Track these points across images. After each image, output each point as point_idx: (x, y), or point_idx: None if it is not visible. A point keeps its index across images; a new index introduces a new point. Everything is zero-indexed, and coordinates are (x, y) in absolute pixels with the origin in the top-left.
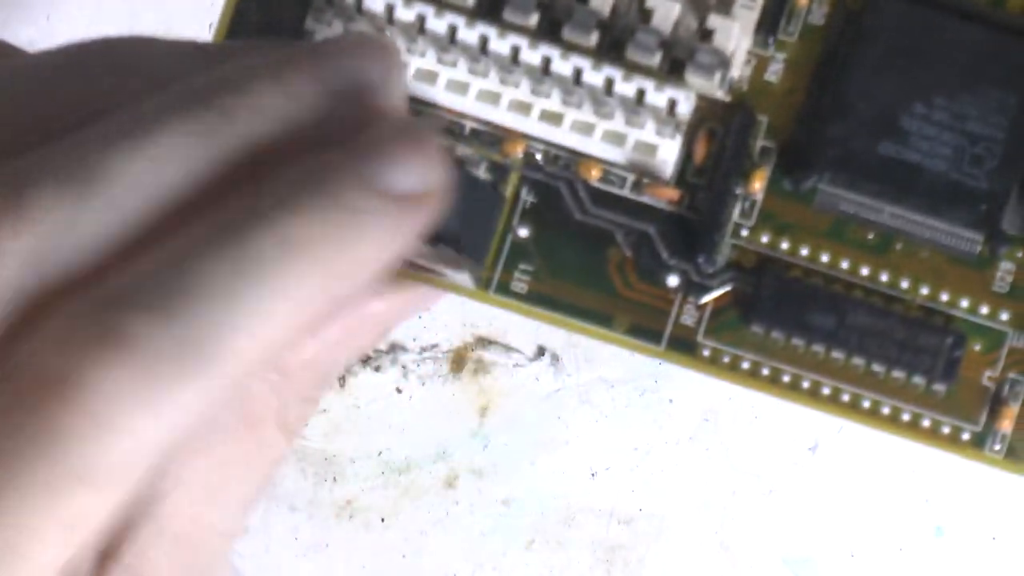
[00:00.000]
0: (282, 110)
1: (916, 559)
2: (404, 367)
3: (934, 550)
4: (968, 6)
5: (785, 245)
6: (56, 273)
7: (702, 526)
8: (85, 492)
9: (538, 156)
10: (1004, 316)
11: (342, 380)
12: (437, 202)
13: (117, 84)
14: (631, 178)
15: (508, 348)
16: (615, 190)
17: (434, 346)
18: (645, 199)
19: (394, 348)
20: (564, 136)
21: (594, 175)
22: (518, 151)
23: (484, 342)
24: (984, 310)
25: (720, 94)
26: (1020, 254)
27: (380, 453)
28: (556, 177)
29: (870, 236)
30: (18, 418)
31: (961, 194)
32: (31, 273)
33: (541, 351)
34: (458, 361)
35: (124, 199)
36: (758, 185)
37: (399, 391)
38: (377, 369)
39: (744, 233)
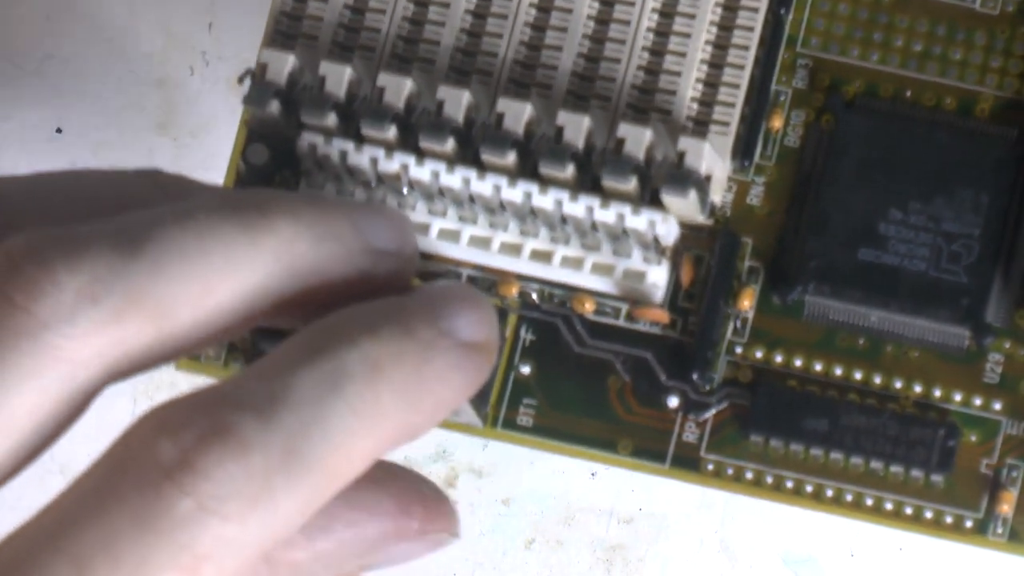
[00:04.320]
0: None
1: (916, 559)
2: None
3: (934, 550)
4: (934, 115)
5: (779, 358)
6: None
7: (702, 526)
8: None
9: (533, 295)
10: (997, 406)
11: None
12: (493, 355)
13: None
14: (625, 308)
15: None
16: (610, 320)
17: None
18: (640, 327)
19: None
20: (556, 273)
21: (588, 308)
22: (513, 292)
23: None
24: (977, 402)
25: (702, 219)
26: (1007, 344)
27: None
28: (552, 314)
29: (860, 341)
30: (137, 501)
31: (943, 292)
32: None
33: None
34: None
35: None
36: (747, 303)
37: None
38: None
39: (738, 350)
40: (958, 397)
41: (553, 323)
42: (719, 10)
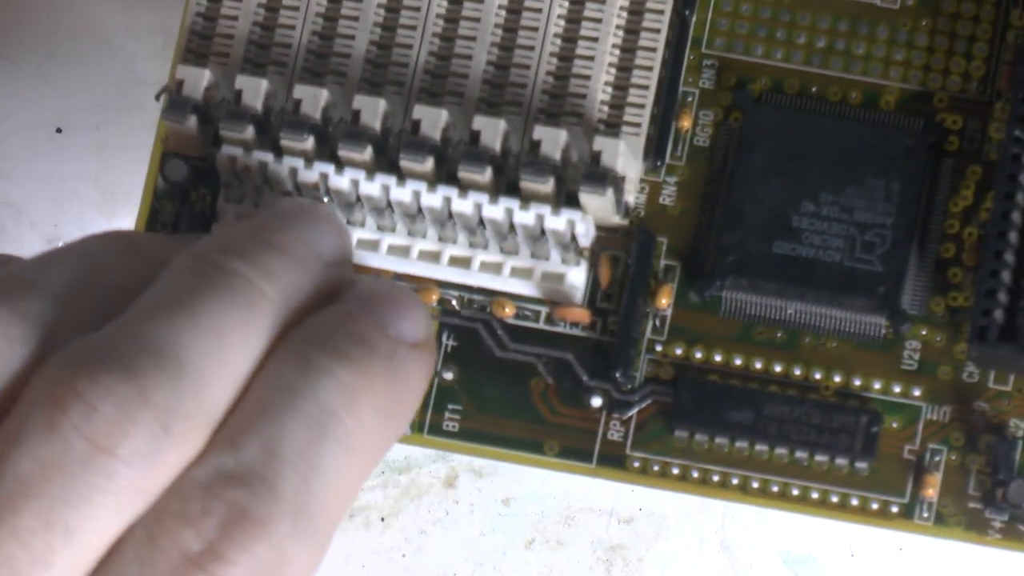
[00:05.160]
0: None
1: (916, 559)
2: None
3: (934, 550)
4: (840, 108)
5: (699, 354)
6: None
7: (702, 526)
8: None
9: (453, 302)
10: (916, 392)
11: None
12: (435, 346)
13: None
14: (544, 311)
15: None
16: (530, 324)
17: None
18: (560, 328)
19: None
20: (475, 278)
21: (508, 313)
22: (433, 299)
23: None
24: (897, 388)
25: (617, 219)
26: (923, 331)
27: None
28: (473, 320)
29: (779, 334)
30: None
31: (858, 281)
32: None
33: None
34: None
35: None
36: (665, 301)
37: None
38: None
39: (659, 348)
40: (878, 385)
41: (474, 328)
42: (625, 14)
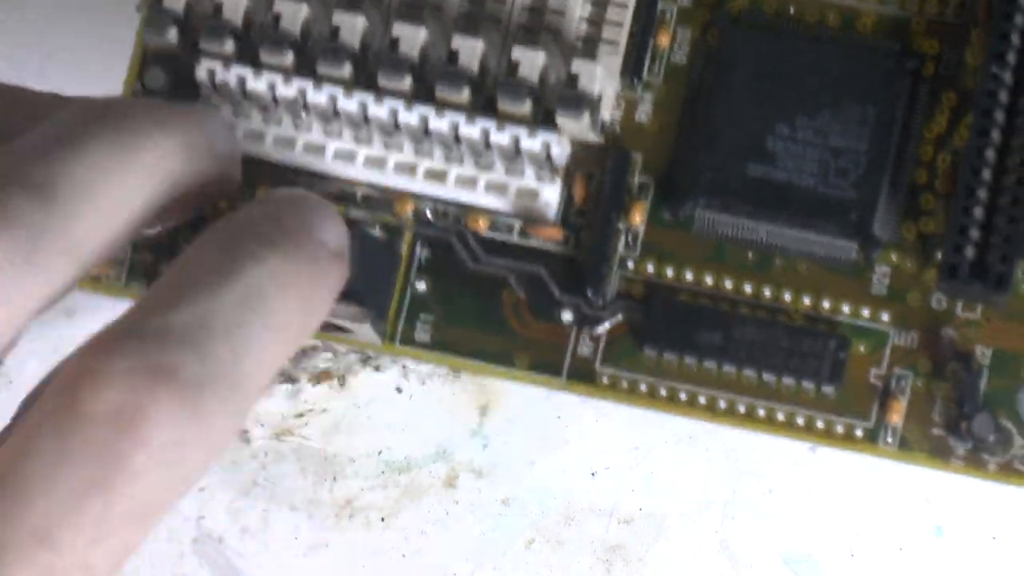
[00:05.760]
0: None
1: (916, 559)
2: (404, 366)
3: (934, 550)
4: (818, 30)
5: (670, 272)
6: None
7: (702, 526)
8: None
9: (428, 213)
10: (885, 317)
11: (342, 379)
12: (346, 267)
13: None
14: (518, 225)
15: None
16: (504, 237)
17: None
18: (533, 243)
19: None
20: (450, 191)
21: (482, 225)
22: (408, 210)
23: None
24: (866, 313)
25: (593, 137)
26: (894, 256)
27: (380, 453)
28: (447, 231)
29: (750, 255)
30: (88, 465)
31: (831, 206)
32: None
33: None
34: None
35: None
36: (639, 218)
37: (399, 390)
38: (377, 368)
39: (631, 265)
40: (847, 309)
41: (447, 240)
42: None
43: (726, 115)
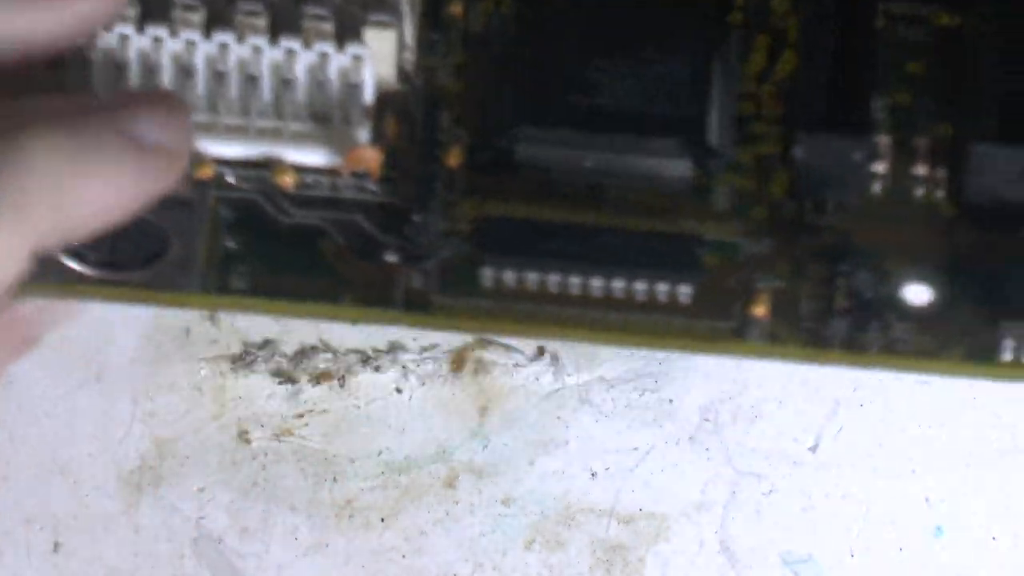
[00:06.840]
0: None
1: (916, 559)
2: (404, 367)
3: (934, 550)
4: None
5: (498, 212)
6: None
7: (702, 526)
8: None
9: (228, 177)
10: (734, 228)
11: (342, 380)
12: (178, 162)
13: None
14: (327, 181)
15: (508, 348)
16: (315, 193)
17: (434, 346)
18: (347, 194)
19: (394, 348)
20: (253, 147)
21: (288, 182)
22: (209, 173)
23: (484, 342)
24: (712, 227)
25: (403, 68)
26: (732, 177)
27: (380, 453)
28: (253, 191)
29: (582, 188)
30: None
31: (661, 125)
32: None
33: (541, 351)
34: (458, 361)
35: None
36: (455, 160)
37: (399, 391)
38: (377, 369)
39: (454, 206)
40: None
41: (254, 199)
42: None
43: (546, 47)
